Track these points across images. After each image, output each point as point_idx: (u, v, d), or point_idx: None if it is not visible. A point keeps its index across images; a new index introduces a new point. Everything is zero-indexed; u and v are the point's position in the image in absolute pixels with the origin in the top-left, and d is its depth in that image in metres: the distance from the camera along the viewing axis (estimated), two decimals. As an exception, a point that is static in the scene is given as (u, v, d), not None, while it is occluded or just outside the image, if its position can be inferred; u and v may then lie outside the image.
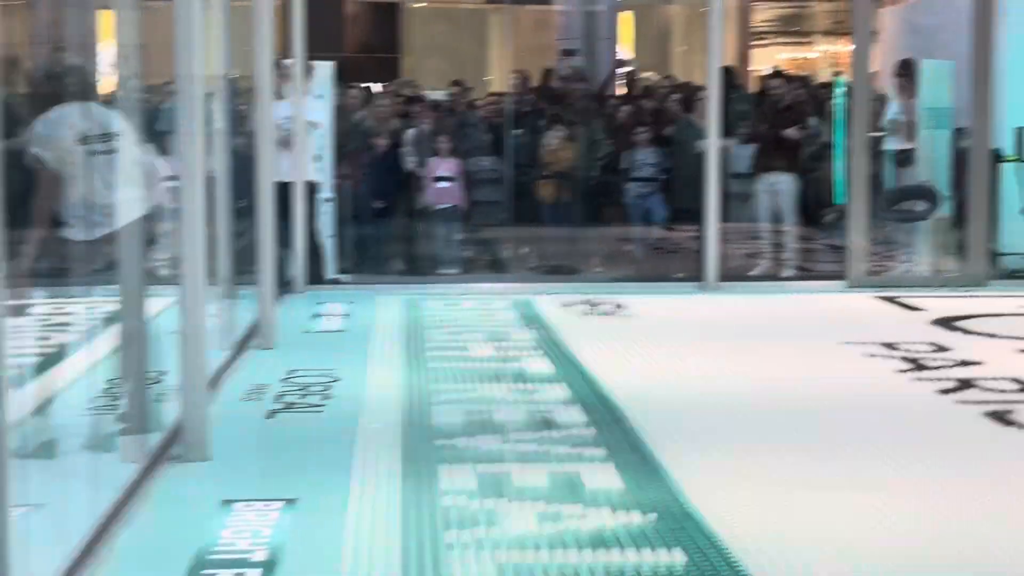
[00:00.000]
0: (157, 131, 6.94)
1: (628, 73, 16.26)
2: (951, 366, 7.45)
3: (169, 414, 5.75)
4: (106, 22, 6.21)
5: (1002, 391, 6.75)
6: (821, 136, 12.77)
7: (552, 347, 8.11)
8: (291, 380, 7.14)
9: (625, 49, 18.02)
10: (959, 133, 12.00)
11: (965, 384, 6.93)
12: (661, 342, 8.32)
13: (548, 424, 6.06)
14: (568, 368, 7.44)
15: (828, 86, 13.85)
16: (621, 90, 15.54)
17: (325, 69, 11.29)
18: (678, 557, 4.25)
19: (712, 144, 10.75)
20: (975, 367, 7.42)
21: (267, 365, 7.59)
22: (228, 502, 4.85)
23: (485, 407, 6.41)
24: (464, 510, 4.75)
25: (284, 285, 10.22)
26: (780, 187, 11.99)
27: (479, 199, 12.55)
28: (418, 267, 12.08)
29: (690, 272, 11.21)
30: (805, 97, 13.05)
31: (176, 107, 5.58)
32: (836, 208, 11.96)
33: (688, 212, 11.85)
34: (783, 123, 12.05)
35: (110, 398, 5.75)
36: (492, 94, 14.06)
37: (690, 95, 13.06)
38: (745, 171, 12.29)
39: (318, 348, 8.25)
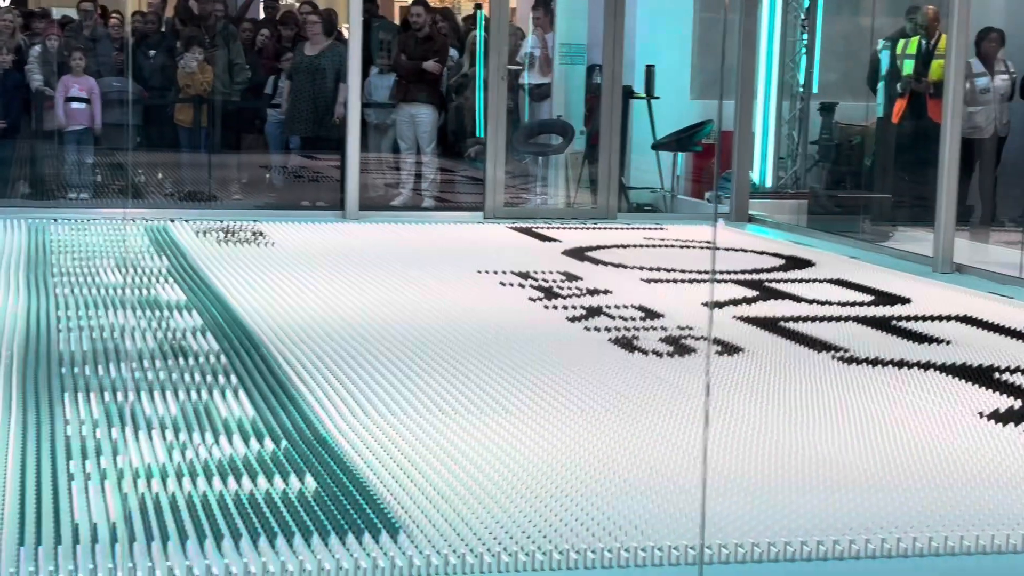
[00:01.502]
0: None
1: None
2: (581, 295, 7.68)
3: None
4: None
5: (627, 319, 7.01)
6: (463, 68, 12.90)
7: (186, 274, 7.91)
8: (-99, 307, 6.70)
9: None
10: (593, 69, 12.38)
11: (593, 312, 7.17)
12: (300, 270, 8.24)
13: (180, 352, 5.91)
14: (202, 295, 7.27)
15: (470, 19, 13.98)
16: (262, 14, 15.21)
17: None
18: (309, 483, 4.22)
19: (353, 73, 10.69)
20: (603, 296, 7.68)
21: None
22: None
23: (114, 335, 6.19)
24: (87, 440, 4.57)
25: None
26: (420, 118, 12.04)
27: (112, 121, 12.05)
28: (45, 191, 11.55)
29: (331, 201, 11.17)
30: (446, 29, 13.13)
31: None
32: (479, 140, 12.14)
33: (329, 141, 11.77)
34: (423, 54, 12.08)
35: None
36: (115, 12, 13.40)
37: (332, 22, 12.91)
38: (385, 101, 12.28)
39: (-68, 274, 7.77)
